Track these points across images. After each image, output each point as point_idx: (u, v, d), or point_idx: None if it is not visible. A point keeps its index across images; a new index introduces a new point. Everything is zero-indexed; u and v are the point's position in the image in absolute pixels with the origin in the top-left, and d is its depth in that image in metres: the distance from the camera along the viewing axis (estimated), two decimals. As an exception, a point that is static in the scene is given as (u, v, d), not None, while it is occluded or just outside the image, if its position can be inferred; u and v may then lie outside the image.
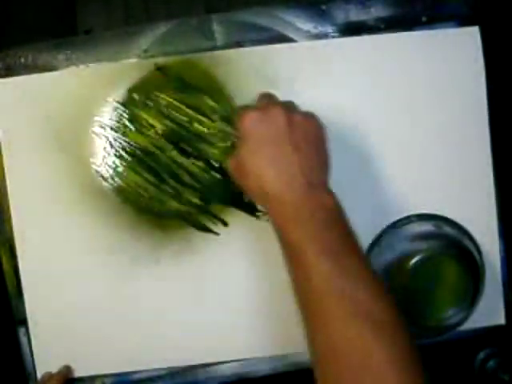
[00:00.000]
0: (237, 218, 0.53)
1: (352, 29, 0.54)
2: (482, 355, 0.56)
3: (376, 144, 0.54)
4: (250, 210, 0.53)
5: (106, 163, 0.53)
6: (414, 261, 0.50)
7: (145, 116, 0.53)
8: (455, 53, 0.54)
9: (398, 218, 0.54)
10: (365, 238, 0.53)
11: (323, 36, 0.54)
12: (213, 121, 0.53)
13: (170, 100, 0.53)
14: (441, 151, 0.54)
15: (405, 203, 0.54)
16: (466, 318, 0.53)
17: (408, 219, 0.54)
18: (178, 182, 0.53)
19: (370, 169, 0.54)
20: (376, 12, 0.54)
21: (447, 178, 0.54)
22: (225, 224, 0.54)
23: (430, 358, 0.56)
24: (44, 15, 0.59)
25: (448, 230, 0.54)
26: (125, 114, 0.53)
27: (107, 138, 0.53)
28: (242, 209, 0.53)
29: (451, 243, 0.53)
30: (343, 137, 0.53)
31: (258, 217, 0.53)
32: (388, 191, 0.54)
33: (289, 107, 0.45)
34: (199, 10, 0.61)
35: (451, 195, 0.54)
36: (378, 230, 0.54)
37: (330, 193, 0.43)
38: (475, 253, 0.53)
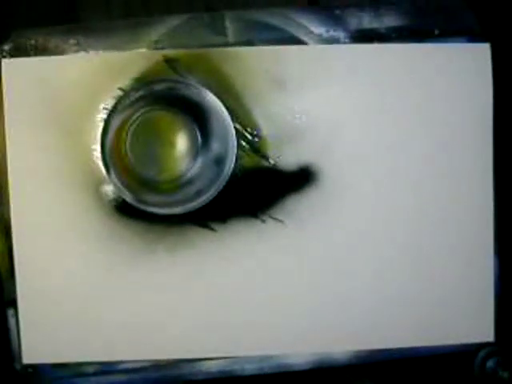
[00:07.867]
0: (234, 215, 0.53)
1: (364, 36, 0.54)
2: (482, 354, 0.55)
3: (379, 151, 0.54)
4: (249, 209, 0.53)
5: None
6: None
7: (150, 107, 0.53)
8: (464, 68, 0.54)
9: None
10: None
11: (334, 41, 0.54)
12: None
13: (177, 93, 0.53)
14: (443, 165, 0.54)
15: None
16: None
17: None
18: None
19: (370, 177, 0.54)
20: (388, 21, 0.54)
21: (446, 191, 0.55)
22: (222, 221, 0.53)
23: (429, 357, 0.56)
24: (44, 15, 0.60)
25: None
26: (130, 104, 0.53)
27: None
28: (240, 207, 0.53)
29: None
30: (347, 143, 0.53)
31: (256, 215, 0.53)
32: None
33: None
34: (199, 8, 0.61)
35: (447, 208, 0.55)
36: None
37: None
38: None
